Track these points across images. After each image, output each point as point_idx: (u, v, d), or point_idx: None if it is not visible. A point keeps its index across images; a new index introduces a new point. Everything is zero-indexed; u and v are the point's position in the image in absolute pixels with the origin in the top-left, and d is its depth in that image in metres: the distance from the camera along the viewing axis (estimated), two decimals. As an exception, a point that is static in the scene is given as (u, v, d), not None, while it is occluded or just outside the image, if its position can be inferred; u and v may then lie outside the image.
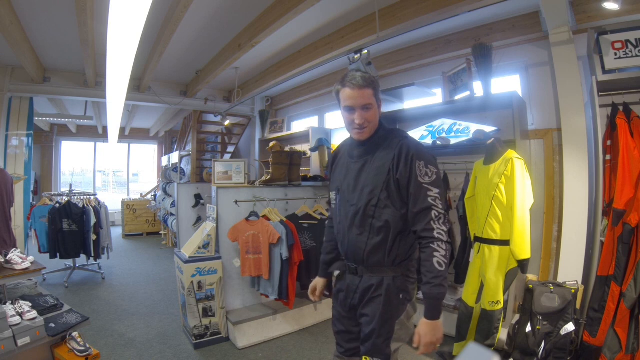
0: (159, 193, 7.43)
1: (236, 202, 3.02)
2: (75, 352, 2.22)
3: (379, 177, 1.29)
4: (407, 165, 1.24)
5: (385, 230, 1.29)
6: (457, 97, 3.00)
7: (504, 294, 2.27)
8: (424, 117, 3.42)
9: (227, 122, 5.73)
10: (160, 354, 2.65)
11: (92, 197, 4.69)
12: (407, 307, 1.35)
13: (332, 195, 1.48)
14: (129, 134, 9.53)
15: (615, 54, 2.29)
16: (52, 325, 2.25)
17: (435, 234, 1.20)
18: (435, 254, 1.19)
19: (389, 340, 1.32)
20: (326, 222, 1.68)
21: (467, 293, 2.40)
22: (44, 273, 4.20)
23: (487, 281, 2.25)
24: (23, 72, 4.46)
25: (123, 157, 10.24)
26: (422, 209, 1.22)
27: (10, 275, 2.44)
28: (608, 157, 2.27)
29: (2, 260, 2.50)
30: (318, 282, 1.65)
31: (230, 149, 6.88)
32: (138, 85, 5.17)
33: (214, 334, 2.84)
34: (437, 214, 1.22)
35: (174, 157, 6.73)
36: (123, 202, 7.93)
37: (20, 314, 2.11)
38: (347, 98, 1.30)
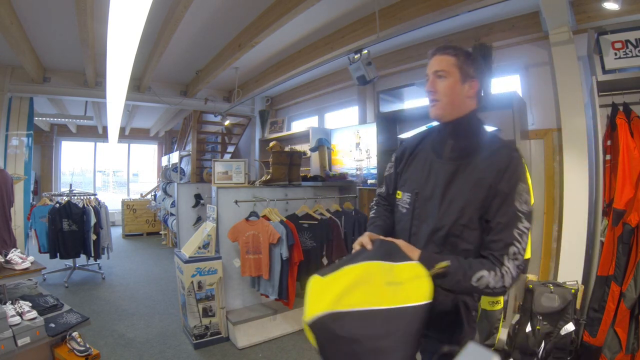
0: (159, 193, 7.43)
1: (236, 202, 3.02)
2: (75, 352, 2.22)
3: (477, 191, 1.03)
4: (510, 184, 1.01)
5: (468, 254, 1.05)
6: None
7: (504, 295, 2.27)
8: (424, 117, 3.41)
9: (227, 122, 5.73)
10: (160, 354, 2.65)
11: (92, 197, 4.69)
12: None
13: (405, 196, 1.19)
14: (129, 134, 9.53)
15: (615, 54, 2.29)
16: (52, 325, 2.25)
17: (503, 270, 0.98)
18: (490, 272, 0.97)
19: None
20: (370, 217, 1.32)
21: (467, 293, 2.40)
22: (44, 273, 4.19)
23: (487, 281, 2.24)
24: (23, 72, 4.46)
25: (123, 157, 10.24)
26: (503, 240, 1.00)
27: (10, 275, 2.44)
28: (608, 157, 2.27)
29: (2, 260, 2.50)
30: (367, 234, 1.13)
31: (230, 149, 6.88)
32: (138, 85, 5.16)
33: (214, 334, 2.84)
34: (515, 252, 0.99)
35: (174, 157, 6.73)
36: (123, 202, 7.93)
37: (20, 314, 2.11)
38: (428, 67, 1.13)
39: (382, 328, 0.81)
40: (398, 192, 1.23)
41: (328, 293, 0.87)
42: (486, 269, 0.98)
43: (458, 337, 1.10)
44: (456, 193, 1.06)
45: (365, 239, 1.07)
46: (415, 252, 1.01)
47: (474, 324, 1.14)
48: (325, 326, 0.83)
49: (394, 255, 0.95)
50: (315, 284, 0.93)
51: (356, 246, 1.09)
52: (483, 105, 1.14)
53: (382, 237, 1.05)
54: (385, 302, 0.83)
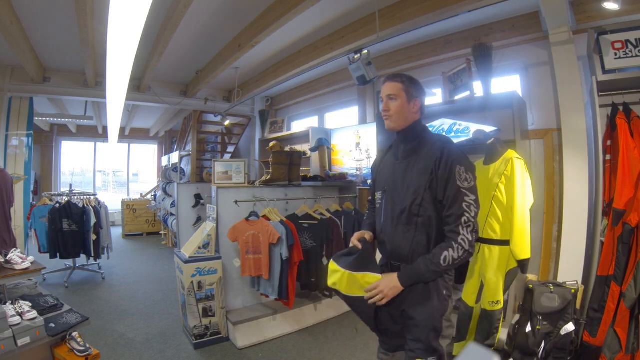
0: (159, 193, 7.43)
1: (236, 202, 3.02)
2: (75, 352, 2.22)
3: (422, 177, 1.35)
4: (446, 167, 1.30)
5: (429, 228, 1.35)
6: (457, 97, 3.00)
7: (504, 294, 2.27)
8: (423, 117, 3.41)
9: (227, 122, 5.73)
10: (160, 354, 2.65)
11: (92, 197, 4.69)
12: (449, 303, 1.41)
13: (378, 195, 1.54)
14: (129, 134, 9.53)
15: (615, 54, 2.29)
16: (52, 325, 2.25)
17: (459, 239, 1.27)
18: (449, 250, 1.27)
19: (438, 337, 1.35)
20: (364, 219, 1.74)
21: (467, 293, 2.40)
22: (44, 273, 4.19)
23: (487, 281, 2.25)
24: (23, 72, 4.46)
25: (123, 157, 10.24)
26: (455, 213, 1.28)
27: (10, 275, 2.44)
28: (608, 157, 2.27)
29: (2, 260, 2.50)
30: (365, 231, 1.59)
31: (230, 149, 6.88)
32: (138, 85, 5.16)
33: (214, 334, 2.84)
34: (466, 220, 1.27)
35: (174, 157, 6.73)
36: (123, 202, 7.93)
37: (20, 314, 2.11)
38: (382, 91, 1.49)
39: (358, 303, 1.45)
40: (376, 194, 1.58)
41: (332, 277, 1.48)
42: (445, 249, 1.28)
43: (427, 309, 1.36)
44: (410, 181, 1.39)
45: (354, 239, 1.51)
46: (393, 276, 1.37)
47: (445, 301, 1.39)
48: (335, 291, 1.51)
49: (366, 264, 1.43)
50: (332, 266, 1.48)
51: (354, 241, 1.50)
52: (425, 116, 1.52)
53: (366, 238, 1.50)
54: (353, 293, 1.44)
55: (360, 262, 1.43)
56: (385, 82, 1.47)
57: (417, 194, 1.35)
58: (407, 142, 1.45)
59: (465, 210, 1.28)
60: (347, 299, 1.48)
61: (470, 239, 1.28)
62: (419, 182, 1.35)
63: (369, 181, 4.23)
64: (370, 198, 1.71)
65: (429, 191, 1.33)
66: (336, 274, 1.45)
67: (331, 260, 1.49)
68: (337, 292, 1.49)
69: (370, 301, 1.36)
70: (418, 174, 1.37)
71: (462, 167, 1.30)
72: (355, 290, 1.43)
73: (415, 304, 1.38)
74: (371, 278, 1.39)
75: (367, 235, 1.52)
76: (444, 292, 1.38)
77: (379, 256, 1.58)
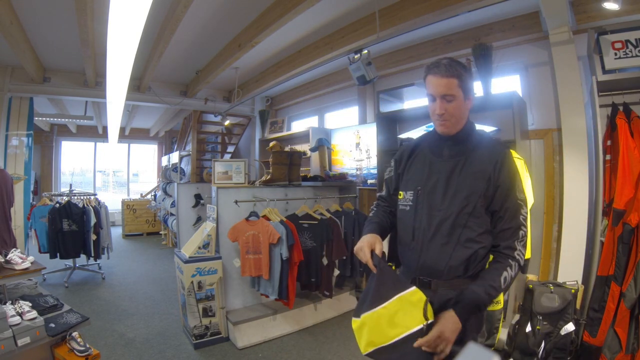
0: (159, 193, 7.43)
1: (236, 202, 3.02)
2: (75, 352, 2.21)
3: (478, 182, 1.16)
4: (509, 176, 1.16)
5: (475, 243, 1.16)
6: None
7: (504, 294, 2.27)
8: (424, 117, 3.41)
9: (227, 122, 5.73)
10: (160, 354, 2.65)
11: (92, 197, 4.69)
12: (484, 316, 1.30)
13: (406, 195, 1.28)
14: (129, 134, 9.53)
15: (615, 54, 2.29)
16: (52, 325, 2.25)
17: (516, 255, 1.14)
18: (508, 270, 1.12)
19: None
20: (369, 217, 1.42)
21: (467, 293, 2.40)
22: (44, 273, 4.19)
23: (487, 281, 2.24)
24: (23, 72, 4.46)
25: (123, 157, 10.24)
26: (513, 227, 1.15)
27: (10, 275, 2.44)
28: (608, 157, 2.27)
29: (2, 260, 2.50)
30: (370, 237, 1.23)
31: (230, 149, 6.88)
32: (138, 85, 5.16)
33: (214, 334, 2.84)
34: (523, 235, 1.16)
35: (174, 157, 6.73)
36: (123, 202, 7.93)
37: (20, 314, 2.11)
38: (429, 85, 1.19)
39: (397, 354, 1.07)
40: (400, 192, 1.31)
41: (362, 336, 1.16)
42: (504, 269, 1.12)
43: (463, 329, 1.14)
44: (459, 185, 1.18)
45: (365, 253, 1.17)
46: (449, 315, 1.08)
47: (482, 317, 1.25)
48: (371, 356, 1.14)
49: (390, 288, 1.10)
50: (354, 325, 1.19)
51: (359, 253, 1.19)
52: (474, 105, 1.27)
53: (377, 255, 1.16)
54: (390, 338, 1.07)
55: (382, 290, 1.11)
56: (434, 74, 1.17)
57: (468, 201, 1.15)
58: (456, 143, 1.23)
59: (522, 223, 1.16)
60: (390, 351, 1.08)
61: (524, 253, 1.16)
62: (472, 188, 1.15)
63: (370, 181, 4.23)
64: (383, 194, 1.43)
65: (483, 201, 1.15)
66: (362, 330, 1.14)
67: (352, 319, 1.20)
68: (375, 355, 1.11)
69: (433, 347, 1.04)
70: (472, 177, 1.17)
71: (518, 179, 1.17)
72: (390, 330, 1.07)
73: None
74: (406, 300, 1.06)
75: (377, 247, 1.19)
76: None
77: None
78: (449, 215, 1.17)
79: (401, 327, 1.06)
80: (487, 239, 1.17)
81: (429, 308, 1.06)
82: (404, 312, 1.06)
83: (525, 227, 1.16)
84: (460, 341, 1.08)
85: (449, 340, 1.05)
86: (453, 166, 1.20)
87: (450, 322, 1.07)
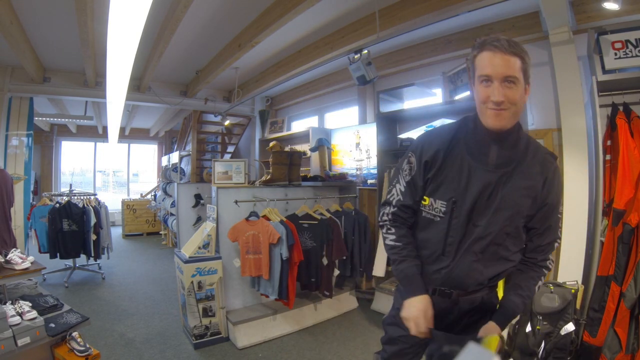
0: (159, 193, 7.43)
1: (236, 202, 3.02)
2: (75, 352, 2.21)
3: (524, 200, 1.03)
4: (557, 196, 1.06)
5: (507, 262, 1.08)
6: (457, 97, 3.00)
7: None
8: (424, 117, 3.42)
9: (227, 122, 5.73)
10: (160, 354, 2.65)
11: (92, 197, 4.69)
12: None
13: (436, 204, 1.08)
14: (129, 134, 9.52)
15: (615, 54, 2.29)
16: (52, 325, 2.25)
17: (549, 264, 1.11)
18: (542, 279, 1.11)
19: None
20: (394, 245, 1.16)
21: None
22: (44, 273, 4.19)
23: (487, 281, 2.24)
24: (23, 72, 4.46)
25: (123, 157, 10.24)
26: (551, 242, 1.09)
27: (10, 275, 2.44)
28: (608, 157, 2.28)
29: (2, 260, 2.50)
30: (425, 303, 1.07)
31: (230, 149, 6.88)
32: (138, 85, 5.16)
33: (214, 334, 2.84)
34: (557, 246, 1.13)
35: (174, 157, 6.73)
36: (123, 202, 7.93)
37: (20, 314, 2.11)
38: (485, 63, 0.96)
39: None
40: (426, 198, 1.11)
41: None
42: (539, 279, 1.10)
43: (480, 325, 1.11)
44: (503, 202, 1.02)
45: (420, 326, 1.02)
46: (494, 329, 1.04)
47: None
48: None
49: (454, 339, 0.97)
50: None
51: (410, 324, 1.04)
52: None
53: (442, 335, 1.01)
54: None
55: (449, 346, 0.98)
56: (495, 50, 0.94)
57: (511, 221, 1.03)
58: (504, 145, 1.03)
59: (559, 236, 1.10)
60: None
61: (552, 259, 1.14)
62: (518, 207, 1.03)
63: (370, 181, 4.23)
64: (407, 202, 1.14)
65: (524, 219, 1.05)
66: None
67: None
68: None
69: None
70: (519, 194, 1.02)
71: (562, 191, 1.12)
72: None
73: (467, 326, 1.16)
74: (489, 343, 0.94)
75: (429, 314, 1.05)
76: (498, 306, 1.17)
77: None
78: (487, 234, 1.03)
79: None
80: (518, 257, 1.11)
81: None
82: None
83: (560, 237, 1.12)
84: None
85: None
86: (499, 178, 1.02)
87: (492, 329, 1.05)
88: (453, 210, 1.06)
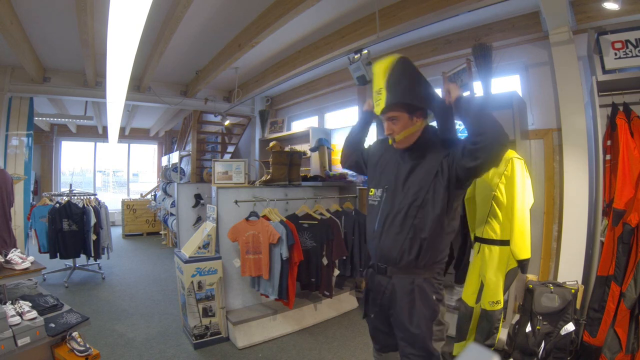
0: (159, 193, 7.43)
1: (236, 202, 3.02)
2: (75, 352, 2.21)
3: (428, 177, 1.36)
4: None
5: (420, 232, 1.34)
6: (457, 97, 2.99)
7: (504, 294, 2.27)
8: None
9: (227, 122, 5.74)
10: (160, 354, 2.65)
11: (92, 197, 4.69)
12: (440, 307, 1.39)
13: (376, 192, 1.52)
14: (129, 134, 9.53)
15: (615, 54, 2.29)
16: (52, 325, 2.25)
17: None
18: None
19: (431, 341, 1.34)
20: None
21: (467, 293, 2.40)
22: (44, 273, 4.20)
23: (487, 281, 2.25)
24: (23, 72, 4.46)
25: (123, 157, 10.23)
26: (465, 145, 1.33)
27: (10, 275, 2.44)
28: (608, 157, 2.27)
29: (2, 260, 2.50)
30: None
31: (230, 149, 6.88)
32: (138, 85, 5.16)
33: (214, 334, 2.84)
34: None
35: (174, 157, 6.72)
36: (123, 202, 7.93)
37: (20, 314, 2.11)
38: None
39: None
40: (371, 189, 1.55)
41: None
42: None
43: (415, 316, 1.35)
44: (411, 183, 1.38)
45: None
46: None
47: (434, 306, 1.37)
48: None
49: None
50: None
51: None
52: (428, 115, 1.50)
53: None
54: None
55: None
56: (385, 112, 1.45)
57: (417, 195, 1.36)
58: (413, 151, 1.48)
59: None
60: None
61: None
62: (422, 183, 1.36)
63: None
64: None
65: (444, 184, 1.34)
66: None
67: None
68: None
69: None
70: (423, 175, 1.38)
71: None
72: None
73: (400, 311, 1.38)
74: None
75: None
76: (433, 297, 1.37)
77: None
78: (400, 208, 1.37)
79: None
80: (434, 228, 1.32)
81: None
82: None
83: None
84: (410, 328, 1.32)
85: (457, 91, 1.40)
86: (411, 167, 1.41)
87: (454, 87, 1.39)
88: (383, 195, 1.47)
